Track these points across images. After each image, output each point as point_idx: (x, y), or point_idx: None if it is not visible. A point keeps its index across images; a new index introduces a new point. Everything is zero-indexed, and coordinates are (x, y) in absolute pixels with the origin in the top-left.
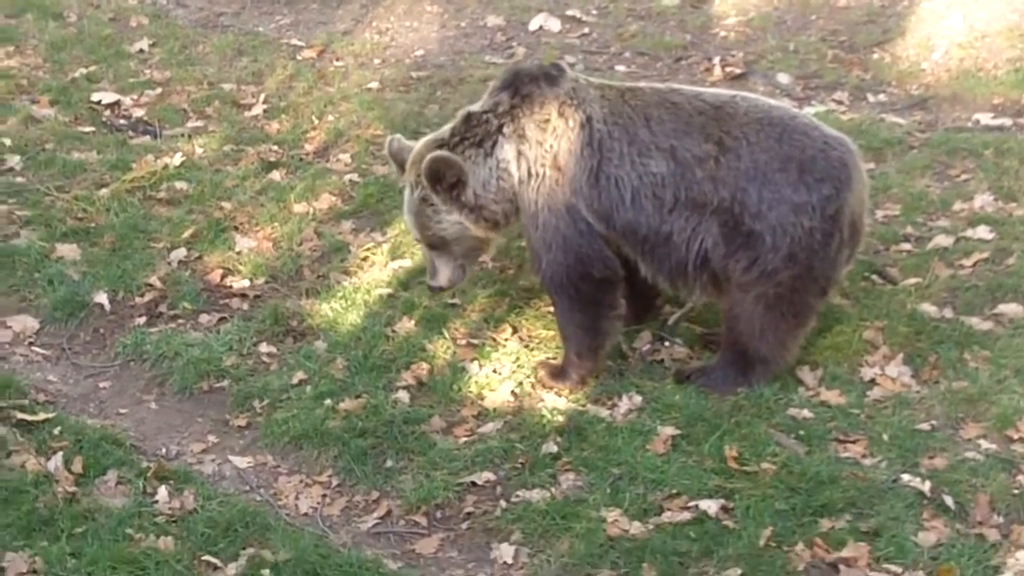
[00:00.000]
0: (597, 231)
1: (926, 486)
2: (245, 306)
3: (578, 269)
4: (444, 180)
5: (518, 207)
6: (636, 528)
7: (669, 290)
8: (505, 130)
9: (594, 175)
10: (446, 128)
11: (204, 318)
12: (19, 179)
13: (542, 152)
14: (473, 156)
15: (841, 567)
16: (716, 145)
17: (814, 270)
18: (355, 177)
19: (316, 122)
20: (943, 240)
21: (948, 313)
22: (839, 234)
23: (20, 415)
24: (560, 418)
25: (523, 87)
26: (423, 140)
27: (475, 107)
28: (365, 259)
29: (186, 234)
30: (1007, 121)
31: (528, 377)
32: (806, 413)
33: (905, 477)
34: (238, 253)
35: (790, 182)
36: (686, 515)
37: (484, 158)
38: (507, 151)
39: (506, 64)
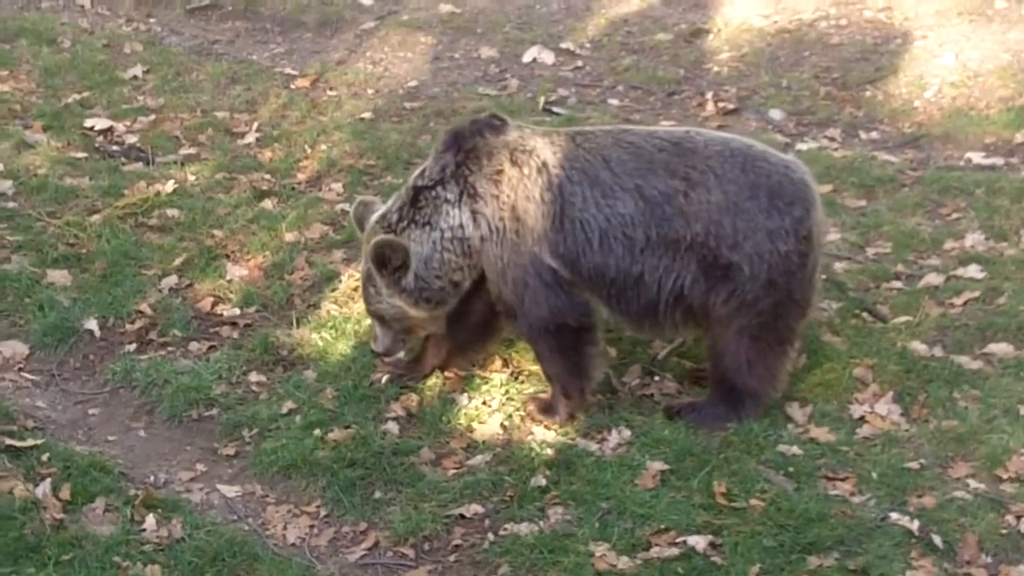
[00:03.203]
0: (562, 278)
1: (914, 525)
2: (235, 334)
3: (554, 320)
4: (389, 264)
5: (470, 275)
6: (624, 563)
7: (633, 332)
8: (450, 196)
9: (558, 220)
10: (395, 204)
11: (194, 346)
12: (11, 204)
13: (499, 205)
14: (417, 237)
15: None
16: (683, 180)
17: (794, 293)
18: (347, 207)
19: (309, 151)
20: (934, 279)
21: (938, 352)
22: (813, 253)
23: (8, 441)
24: (549, 451)
25: (466, 143)
26: (376, 215)
27: (423, 178)
28: (356, 289)
29: (177, 261)
30: (999, 160)
31: (517, 410)
32: (795, 450)
33: (894, 515)
34: (229, 281)
35: (762, 209)
36: (674, 551)
37: (428, 233)
38: (455, 217)
39: (499, 96)
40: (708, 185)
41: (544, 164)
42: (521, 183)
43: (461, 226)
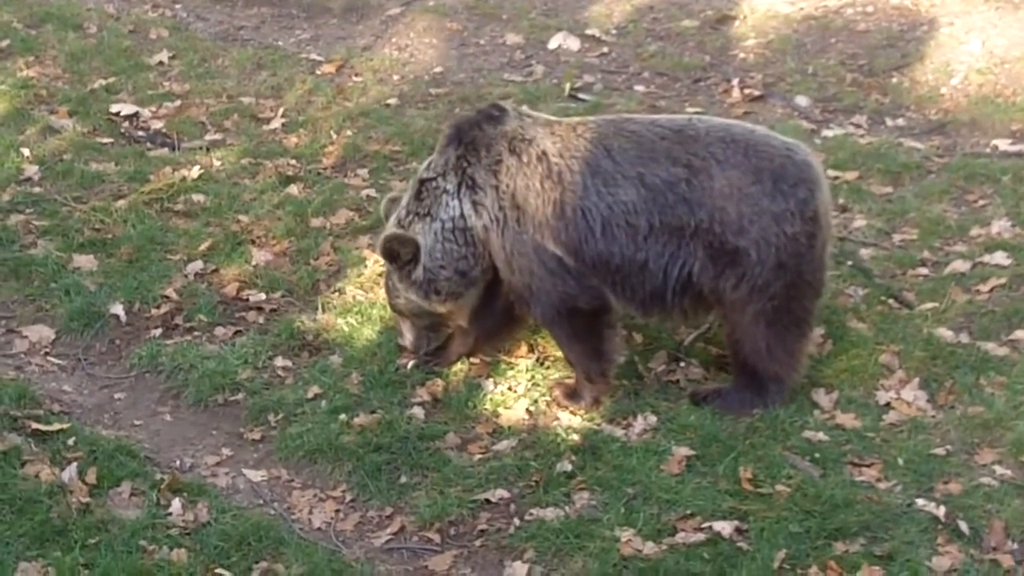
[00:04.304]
0: (567, 265)
1: (941, 511)
2: (261, 320)
3: (565, 305)
4: (400, 258)
5: (479, 265)
6: (650, 548)
7: (642, 319)
8: (450, 187)
9: (559, 208)
10: (404, 198)
11: (220, 331)
12: (37, 189)
13: (498, 195)
14: (420, 229)
15: None
16: (685, 168)
17: (805, 274)
18: (372, 192)
19: (334, 137)
20: (960, 265)
21: (964, 338)
22: (821, 234)
23: (35, 425)
24: (575, 437)
25: (465, 136)
26: (395, 214)
27: (428, 171)
28: (382, 274)
29: (203, 247)
30: None
31: (543, 395)
32: (821, 436)
33: (920, 501)
34: (254, 266)
35: (767, 193)
36: (700, 536)
37: (430, 224)
38: (454, 208)
39: (525, 83)
40: (711, 172)
41: (543, 153)
42: (520, 172)
43: (462, 216)
